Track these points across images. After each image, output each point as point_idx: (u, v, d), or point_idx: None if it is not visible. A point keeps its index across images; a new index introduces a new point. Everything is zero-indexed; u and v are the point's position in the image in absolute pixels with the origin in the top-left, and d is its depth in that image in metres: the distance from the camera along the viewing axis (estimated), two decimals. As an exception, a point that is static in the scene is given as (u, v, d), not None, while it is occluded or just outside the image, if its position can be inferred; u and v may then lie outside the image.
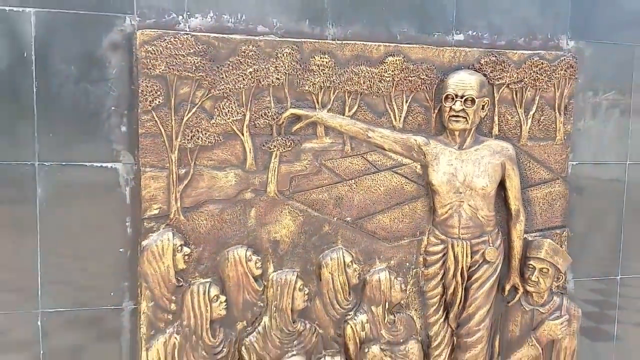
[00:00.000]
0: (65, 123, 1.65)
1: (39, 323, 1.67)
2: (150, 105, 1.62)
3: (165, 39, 1.61)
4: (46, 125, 1.63)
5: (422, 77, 1.81)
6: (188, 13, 1.70)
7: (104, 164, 1.68)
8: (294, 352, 1.77)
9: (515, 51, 1.89)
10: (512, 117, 1.89)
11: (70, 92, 1.64)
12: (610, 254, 2.12)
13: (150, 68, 1.60)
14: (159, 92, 1.62)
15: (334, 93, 1.75)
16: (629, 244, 2.15)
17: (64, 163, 1.66)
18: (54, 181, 1.65)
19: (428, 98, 1.83)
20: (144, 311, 1.66)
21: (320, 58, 1.72)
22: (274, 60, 1.69)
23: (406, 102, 1.81)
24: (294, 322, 1.77)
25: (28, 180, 1.63)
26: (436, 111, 1.83)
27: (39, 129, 1.63)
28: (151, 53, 1.60)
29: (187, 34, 1.63)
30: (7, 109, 1.61)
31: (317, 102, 1.75)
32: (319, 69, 1.72)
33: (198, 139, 1.67)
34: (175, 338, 1.68)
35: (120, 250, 1.71)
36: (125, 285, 1.72)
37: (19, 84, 1.61)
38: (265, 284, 1.75)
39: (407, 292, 1.87)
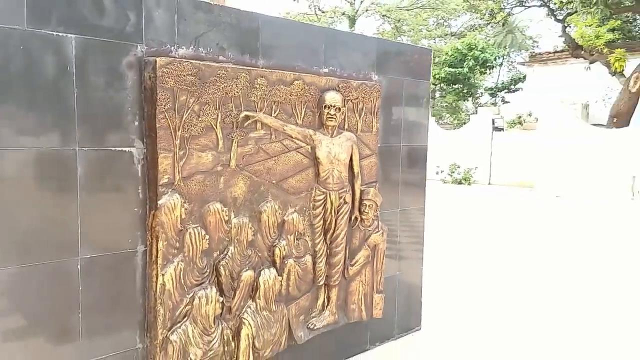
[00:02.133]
0: (97, 119, 2.27)
1: (78, 266, 2.26)
2: (164, 108, 2.38)
3: (174, 64, 2.39)
4: (83, 120, 2.23)
5: (311, 93, 2.98)
6: (177, 45, 2.49)
7: (123, 148, 2.36)
8: (247, 268, 2.77)
9: (353, 80, 3.23)
10: (352, 119, 3.23)
11: (100, 97, 2.27)
12: (395, 195, 3.70)
13: (164, 83, 2.37)
14: (169, 99, 2.40)
15: (266, 102, 2.79)
16: (393, 189, 3.76)
17: (95, 148, 2.28)
18: (88, 161, 2.26)
19: (314, 106, 3.02)
20: (160, 248, 2.42)
21: (260, 79, 2.74)
22: (235, 80, 2.63)
23: (303, 108, 2.97)
24: (247, 249, 2.76)
25: (71, 161, 2.21)
26: (318, 114, 3.04)
27: (78, 123, 2.21)
28: (165, 73, 2.37)
29: (187, 61, 2.44)
30: (56, 108, 2.15)
31: (257, 108, 2.76)
32: (259, 86, 2.74)
33: (191, 130, 2.50)
34: (181, 264, 2.49)
35: (135, 209, 2.42)
36: (138, 234, 2.43)
37: (64, 89, 2.17)
38: (230, 226, 2.69)
39: (305, 225, 3.05)
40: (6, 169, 2.04)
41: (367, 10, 35.06)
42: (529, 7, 16.98)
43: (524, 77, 22.80)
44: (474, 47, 22.64)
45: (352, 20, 34.73)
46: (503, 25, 18.52)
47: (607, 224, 9.47)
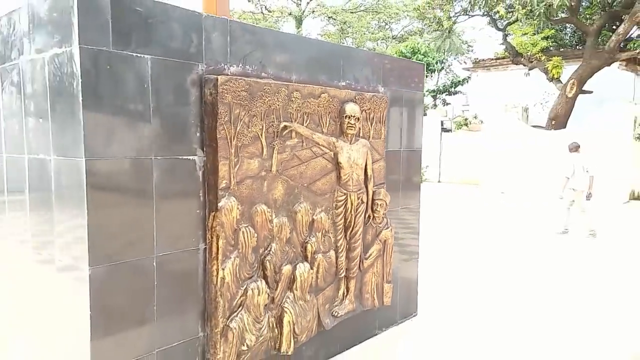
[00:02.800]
0: (167, 131, 2.53)
1: (154, 264, 2.51)
2: (223, 121, 2.67)
3: (231, 81, 2.69)
4: (157, 132, 2.48)
5: (334, 105, 3.34)
6: (229, 63, 2.78)
7: (188, 157, 2.63)
8: (286, 263, 3.09)
9: (366, 92, 3.61)
10: (365, 127, 3.62)
11: (170, 111, 2.53)
12: (397, 195, 4.11)
13: (223, 98, 2.66)
14: (226, 113, 2.69)
15: (300, 113, 3.12)
16: (400, 191, 4.17)
17: (167, 157, 2.53)
18: (161, 169, 2.51)
19: (336, 116, 3.37)
20: (220, 246, 2.70)
21: (295, 93, 3.07)
22: (277, 94, 2.95)
23: (327, 118, 3.32)
24: (285, 245, 3.08)
25: (148, 169, 2.46)
26: (339, 124, 3.40)
27: (154, 134, 2.47)
28: (224, 89, 2.65)
29: (240, 78, 2.74)
30: (136, 120, 2.40)
31: (293, 119, 3.08)
32: (295, 99, 3.07)
33: (242, 140, 2.79)
34: (236, 260, 2.78)
35: (197, 211, 2.69)
36: (200, 233, 2.70)
37: (142, 104, 2.42)
38: (273, 225, 3.00)
39: (329, 223, 3.40)
40: (98, 177, 2.27)
41: (313, 12, 35.53)
42: (472, 16, 18.09)
43: (464, 80, 24.05)
44: (417, 51, 23.63)
45: (299, 21, 35.12)
46: (450, 31, 19.47)
47: (541, 217, 10.37)
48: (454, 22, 18.18)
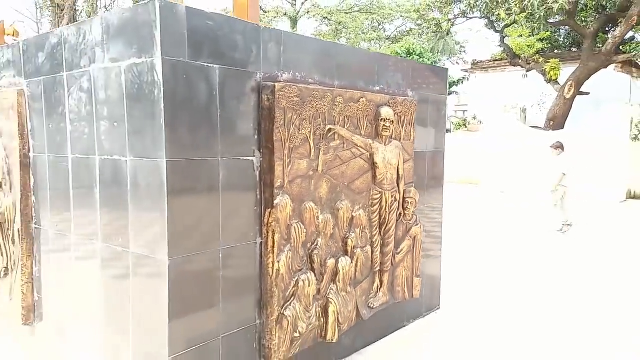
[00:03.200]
0: (232, 133, 2.74)
1: (220, 255, 2.72)
2: (279, 124, 2.88)
3: (286, 88, 2.90)
4: (223, 134, 2.69)
5: (371, 108, 3.56)
6: (282, 71, 3.00)
7: (248, 158, 2.84)
8: (330, 257, 3.31)
9: (397, 97, 3.84)
10: (397, 129, 3.84)
11: (233, 115, 2.74)
12: (423, 193, 4.33)
13: (279, 103, 2.87)
14: (282, 117, 2.90)
15: (342, 117, 3.34)
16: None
17: (231, 158, 2.74)
18: (227, 169, 2.72)
19: (372, 119, 3.60)
20: (276, 240, 2.92)
21: (338, 98, 3.29)
22: (323, 99, 3.17)
23: (365, 121, 3.54)
24: (329, 240, 3.30)
25: (216, 168, 2.67)
26: (375, 126, 3.62)
27: (221, 137, 2.68)
28: (281, 95, 2.87)
29: (294, 84, 2.96)
30: (207, 125, 2.61)
31: (336, 122, 3.30)
32: (338, 104, 3.28)
33: (294, 142, 3.01)
34: (289, 253, 3.00)
35: (255, 208, 2.90)
36: (257, 228, 2.92)
37: (211, 110, 2.63)
38: (319, 221, 3.22)
39: (365, 220, 3.62)
40: (176, 177, 2.47)
41: (308, 12, 35.65)
42: (470, 18, 18.37)
43: (459, 80, 24.36)
44: (412, 52, 23.91)
45: (294, 21, 35.30)
46: (448, 34, 19.79)
47: (540, 215, 10.65)
48: (453, 24, 18.46)
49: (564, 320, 4.48)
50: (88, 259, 2.96)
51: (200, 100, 2.57)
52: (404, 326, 4.21)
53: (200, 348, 2.65)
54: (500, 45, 18.73)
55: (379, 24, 36.38)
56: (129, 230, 2.66)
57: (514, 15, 15.16)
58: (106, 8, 18.87)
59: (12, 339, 3.72)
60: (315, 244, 3.21)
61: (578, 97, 15.18)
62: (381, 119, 3.60)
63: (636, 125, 13.57)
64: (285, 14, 35.21)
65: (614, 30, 14.70)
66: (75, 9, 18.46)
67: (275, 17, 35.80)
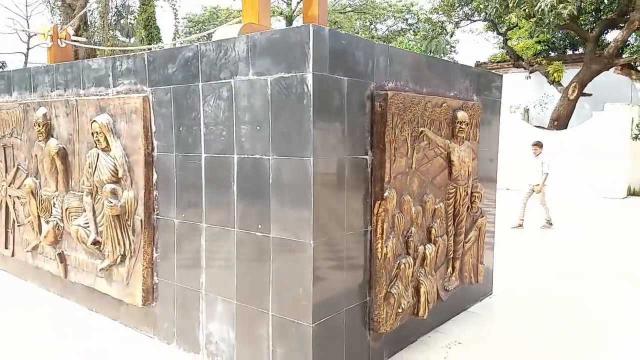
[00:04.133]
0: (353, 135, 3.19)
1: (345, 240, 3.17)
2: (389, 127, 3.34)
3: (395, 96, 3.36)
4: (349, 136, 3.14)
5: (449, 112, 4.03)
6: (387, 81, 3.45)
7: (363, 157, 3.29)
8: (419, 244, 3.77)
9: (468, 101, 4.31)
10: (470, 131, 4.31)
11: (355, 120, 3.19)
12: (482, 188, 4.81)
13: (390, 109, 3.33)
14: (391, 121, 3.36)
15: (429, 120, 3.80)
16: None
17: (352, 157, 3.19)
18: (350, 166, 3.17)
19: (449, 122, 4.07)
20: (385, 228, 3.37)
21: (428, 104, 3.75)
22: (418, 105, 3.63)
23: (444, 124, 4.01)
24: (419, 229, 3.77)
25: (343, 165, 3.12)
26: (451, 128, 4.09)
27: (347, 139, 3.13)
28: (392, 102, 3.33)
29: (399, 92, 3.41)
30: (338, 128, 3.05)
31: (426, 125, 3.77)
32: (427, 109, 3.75)
33: (397, 143, 3.46)
34: (393, 240, 3.46)
35: (367, 200, 3.36)
36: (367, 218, 3.37)
37: (341, 116, 3.08)
38: (413, 212, 3.68)
39: (443, 211, 4.09)
40: (318, 173, 2.92)
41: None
42: (474, 20, 18.97)
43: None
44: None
45: (289, 21, 35.67)
46: (452, 35, 20.30)
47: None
48: (458, 27, 19.00)
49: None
50: (221, 244, 3.40)
51: (334, 108, 3.02)
52: (467, 308, 4.69)
53: (331, 318, 3.10)
54: (503, 48, 19.30)
55: (371, 23, 36.84)
56: (269, 218, 3.10)
57: (523, 20, 15.73)
58: (117, 8, 19.12)
59: (126, 320, 4.13)
60: (410, 232, 3.67)
61: (581, 98, 15.81)
62: (457, 122, 4.07)
63: (637, 125, 14.19)
64: (281, 13, 35.60)
65: (616, 35, 15.35)
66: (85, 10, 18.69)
67: (270, 17, 36.18)
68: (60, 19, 18.90)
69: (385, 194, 3.37)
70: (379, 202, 3.37)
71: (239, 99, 3.19)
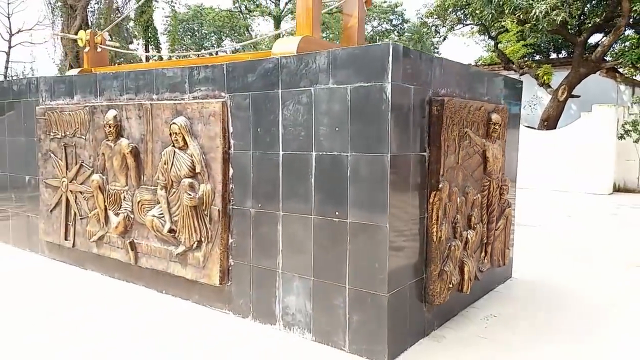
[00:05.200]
0: (417, 134, 3.74)
1: (410, 223, 3.72)
2: (444, 128, 3.90)
3: (450, 101, 3.92)
4: (414, 136, 3.69)
5: (485, 115, 4.61)
6: (440, 88, 4.01)
7: (422, 153, 3.85)
8: (463, 230, 4.34)
9: (498, 105, 4.89)
10: (500, 131, 4.89)
11: (417, 120, 3.74)
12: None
13: (447, 112, 3.89)
14: (445, 123, 3.92)
15: (471, 121, 4.37)
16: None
17: (416, 153, 3.74)
18: (414, 161, 3.72)
19: (485, 123, 4.64)
20: (439, 215, 3.93)
21: (471, 107, 4.32)
22: (465, 109, 4.19)
23: (481, 125, 4.58)
24: (462, 217, 4.34)
25: (409, 160, 3.67)
26: (486, 129, 4.67)
27: (413, 138, 3.68)
28: (447, 107, 3.88)
29: (452, 98, 3.97)
30: (407, 129, 3.60)
31: (469, 126, 4.33)
32: (470, 112, 4.32)
33: (448, 142, 4.02)
34: (445, 225, 4.02)
35: (424, 190, 3.91)
36: (424, 206, 3.93)
37: (409, 119, 3.63)
38: (458, 201, 4.25)
39: (479, 202, 4.67)
40: (393, 167, 3.46)
41: (292, 12, 36.28)
42: (467, 24, 19.72)
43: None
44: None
45: (278, 21, 36.10)
46: (445, 39, 21.00)
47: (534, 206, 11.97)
48: (452, 30, 19.72)
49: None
50: (298, 229, 3.92)
51: (404, 112, 3.57)
52: (494, 288, 5.28)
53: (398, 291, 3.65)
54: (494, 51, 20.08)
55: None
56: (347, 206, 3.64)
57: (512, 25, 16.49)
58: (118, 10, 19.39)
59: (199, 298, 4.63)
60: (456, 219, 4.24)
61: (568, 99, 16.62)
62: (492, 123, 4.65)
63: (622, 126, 15.03)
64: (270, 14, 36.04)
65: (602, 40, 16.22)
66: (87, 11, 18.91)
67: (258, 16, 36.70)
68: (61, 20, 19.10)
69: (440, 186, 3.93)
70: (434, 192, 3.93)
71: (319, 104, 3.72)
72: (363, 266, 3.61)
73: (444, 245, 4.05)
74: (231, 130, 4.27)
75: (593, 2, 16.46)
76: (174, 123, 4.47)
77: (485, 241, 4.82)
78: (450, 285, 4.10)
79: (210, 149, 4.36)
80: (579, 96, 17.13)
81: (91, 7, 19.29)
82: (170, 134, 4.52)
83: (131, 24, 19.62)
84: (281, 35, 35.28)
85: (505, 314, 4.62)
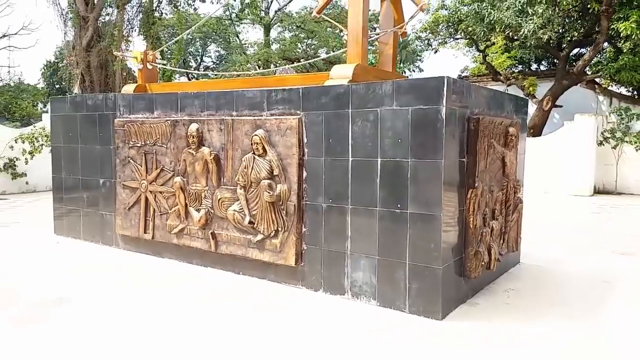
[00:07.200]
0: (459, 144, 4.84)
1: (457, 213, 4.81)
2: (479, 139, 5.01)
3: (482, 119, 5.03)
4: (458, 145, 4.79)
5: (504, 128, 5.74)
6: (472, 107, 5.12)
7: (462, 159, 4.95)
8: (489, 219, 5.46)
9: (514, 119, 6.03)
10: (515, 141, 6.03)
11: (459, 134, 4.85)
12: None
13: (481, 127, 4.99)
14: (480, 135, 5.03)
15: (494, 134, 5.49)
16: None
17: (459, 159, 4.84)
18: (457, 166, 4.82)
19: (504, 135, 5.77)
20: (475, 208, 5.03)
21: (496, 123, 5.44)
22: (491, 124, 5.31)
23: (501, 136, 5.71)
24: (489, 209, 5.46)
25: (455, 165, 4.77)
26: (504, 140, 5.79)
27: (456, 147, 4.77)
28: (481, 123, 5.00)
29: (484, 116, 5.09)
30: (453, 140, 4.70)
31: (493, 137, 5.45)
32: (494, 126, 5.44)
33: (481, 150, 5.14)
34: (478, 215, 5.13)
35: (462, 188, 5.01)
36: (463, 200, 5.02)
37: (455, 133, 4.73)
38: (486, 197, 5.36)
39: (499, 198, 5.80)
40: (444, 170, 4.56)
41: (282, 21, 37.18)
42: (457, 39, 21.06)
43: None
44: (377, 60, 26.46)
45: (267, 29, 37.12)
46: (436, 52, 22.30)
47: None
48: (443, 44, 21.07)
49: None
50: (364, 219, 4.98)
51: (452, 127, 4.67)
52: (508, 270, 6.41)
53: (447, 265, 4.74)
54: (482, 63, 21.48)
55: (341, 31, 38.69)
56: (407, 200, 4.72)
57: (499, 38, 17.86)
58: (129, 22, 20.20)
59: (275, 277, 5.65)
60: (485, 211, 5.36)
61: (553, 109, 18.02)
62: (509, 135, 5.79)
63: (602, 133, 16.43)
64: (260, 22, 37.07)
65: (580, 52, 17.69)
66: (98, 22, 19.68)
67: (247, 25, 37.83)
68: (73, 30, 19.82)
69: (476, 185, 5.04)
70: (471, 189, 5.04)
71: (384, 121, 4.81)
72: (420, 246, 4.69)
73: (478, 231, 5.16)
74: (305, 140, 5.32)
75: (573, 19, 17.91)
76: (255, 135, 5.51)
77: (503, 230, 5.95)
78: (482, 264, 5.21)
79: (286, 156, 5.40)
80: (561, 106, 18.56)
81: (102, 18, 20.10)
82: (252, 144, 5.55)
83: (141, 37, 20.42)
84: (270, 43, 36.31)
85: (521, 289, 5.75)
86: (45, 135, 13.62)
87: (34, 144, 13.63)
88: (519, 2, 13.80)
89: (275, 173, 5.48)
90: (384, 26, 6.58)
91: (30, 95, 33.28)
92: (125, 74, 19.40)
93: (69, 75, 20.20)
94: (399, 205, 4.79)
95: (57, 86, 39.24)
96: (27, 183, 14.02)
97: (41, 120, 15.80)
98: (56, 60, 39.58)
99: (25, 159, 13.62)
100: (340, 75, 5.62)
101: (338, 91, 5.09)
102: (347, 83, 5.26)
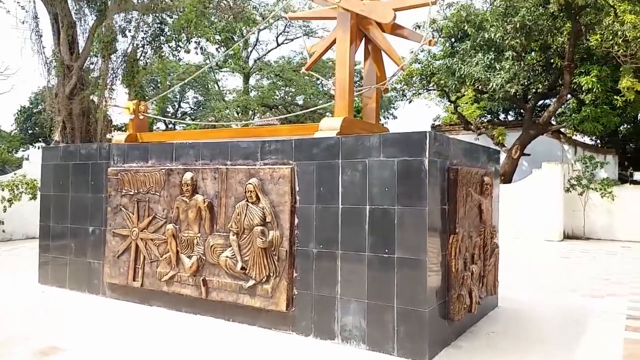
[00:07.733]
0: (439, 193, 5.21)
1: (440, 258, 5.13)
2: (458, 188, 5.40)
3: (460, 170, 5.44)
4: (439, 194, 5.16)
5: (480, 177, 6.17)
6: (451, 159, 5.54)
7: (443, 207, 5.31)
8: (469, 264, 5.79)
9: (488, 169, 6.47)
10: (490, 189, 6.45)
11: (440, 184, 5.23)
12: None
13: (459, 177, 5.40)
14: (459, 185, 5.42)
15: (472, 182, 5.91)
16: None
17: (441, 207, 5.20)
18: (438, 214, 5.17)
19: (479, 184, 6.19)
20: (457, 252, 5.36)
21: (473, 172, 5.87)
22: (469, 174, 5.73)
23: (477, 185, 6.13)
24: (471, 253, 5.80)
25: (438, 212, 5.12)
26: (481, 188, 6.21)
27: (437, 197, 5.14)
28: (460, 173, 5.40)
29: (462, 166, 5.50)
30: (435, 190, 5.07)
31: (470, 186, 5.86)
32: (472, 176, 5.86)
33: (461, 198, 5.52)
34: (460, 260, 5.45)
35: (444, 234, 5.34)
36: (445, 245, 5.35)
37: (435, 182, 5.11)
38: (468, 242, 5.71)
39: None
40: (429, 216, 4.90)
41: (261, 70, 38.01)
42: (430, 90, 22.08)
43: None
44: (361, 109, 27.31)
45: (247, 77, 37.99)
46: (410, 102, 23.30)
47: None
48: (418, 95, 22.05)
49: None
50: (354, 263, 5.25)
51: (434, 177, 5.06)
52: (487, 314, 6.70)
53: (433, 308, 5.01)
54: (453, 113, 22.48)
55: (317, 79, 39.84)
56: (394, 245, 5.02)
57: (468, 91, 18.85)
58: (113, 71, 20.50)
59: (265, 323, 5.81)
60: (465, 256, 5.69)
61: (521, 157, 18.89)
62: (485, 183, 6.21)
63: (568, 180, 17.23)
64: (241, 70, 37.98)
65: (546, 104, 18.78)
66: (83, 70, 19.88)
67: (227, 72, 38.74)
68: (56, 78, 19.96)
69: (457, 230, 5.40)
70: (452, 235, 5.39)
71: (372, 171, 5.16)
72: (407, 289, 4.96)
73: (460, 275, 5.47)
74: (297, 188, 5.63)
75: (538, 72, 19.07)
76: (249, 183, 5.80)
77: (482, 274, 6.28)
78: (465, 306, 5.49)
79: (279, 203, 5.69)
80: (529, 154, 19.47)
81: (86, 67, 20.34)
82: (245, 191, 5.82)
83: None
84: (249, 90, 37.06)
85: (502, 332, 6.03)
86: (26, 183, 13.60)
87: (13, 192, 13.57)
88: (487, 58, 14.75)
89: (267, 220, 5.73)
90: (367, 82, 7.04)
91: (6, 142, 32.97)
92: (106, 122, 19.56)
93: (50, 121, 20.25)
94: (386, 250, 5.08)
95: (31, 132, 39.00)
96: (3, 231, 13.85)
97: (21, 167, 15.75)
98: (30, 106, 39.52)
99: (4, 206, 13.51)
100: (329, 127, 6.00)
101: (329, 143, 5.46)
102: (335, 135, 5.63)
